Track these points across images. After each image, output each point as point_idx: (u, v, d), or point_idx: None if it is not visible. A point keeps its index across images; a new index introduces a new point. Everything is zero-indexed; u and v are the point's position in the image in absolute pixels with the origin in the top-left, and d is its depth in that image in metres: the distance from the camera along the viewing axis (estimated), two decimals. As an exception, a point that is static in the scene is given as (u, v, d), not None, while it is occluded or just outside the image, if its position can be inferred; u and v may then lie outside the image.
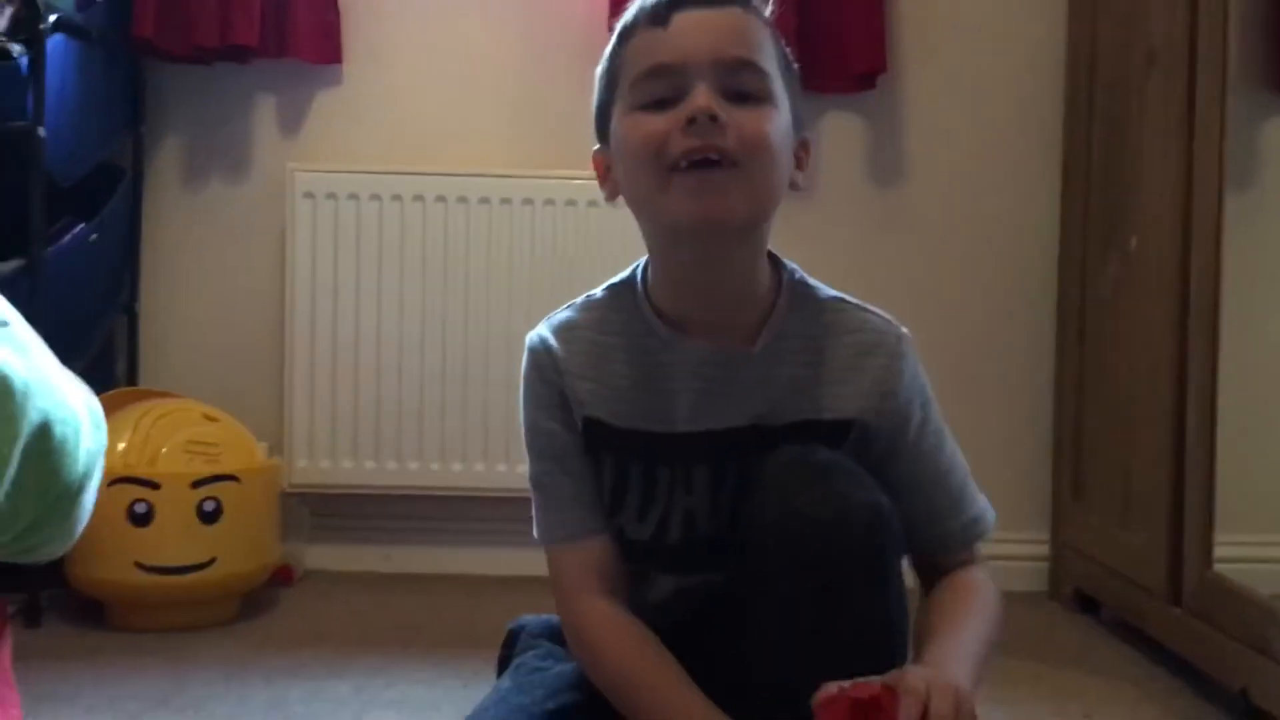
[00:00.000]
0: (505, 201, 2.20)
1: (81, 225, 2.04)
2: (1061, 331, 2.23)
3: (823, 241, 2.22)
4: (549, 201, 2.20)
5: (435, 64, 2.30)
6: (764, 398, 1.02)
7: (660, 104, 0.96)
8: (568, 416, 1.05)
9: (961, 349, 2.25)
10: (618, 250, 2.17)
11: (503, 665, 1.15)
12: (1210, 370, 1.70)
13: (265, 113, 2.29)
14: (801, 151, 1.03)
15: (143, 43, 2.14)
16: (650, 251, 1.05)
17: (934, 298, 2.25)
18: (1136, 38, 1.95)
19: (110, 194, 2.13)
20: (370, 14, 2.28)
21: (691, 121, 0.93)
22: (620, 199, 1.03)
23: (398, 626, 1.94)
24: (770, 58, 0.99)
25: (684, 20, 0.97)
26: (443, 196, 2.20)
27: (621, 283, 1.08)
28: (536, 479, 1.07)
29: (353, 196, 2.19)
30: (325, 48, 2.23)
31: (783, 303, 1.04)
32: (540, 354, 1.06)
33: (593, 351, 1.04)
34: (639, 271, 1.07)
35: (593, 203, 2.18)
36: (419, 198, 2.20)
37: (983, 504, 1.10)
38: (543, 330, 1.08)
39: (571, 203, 2.19)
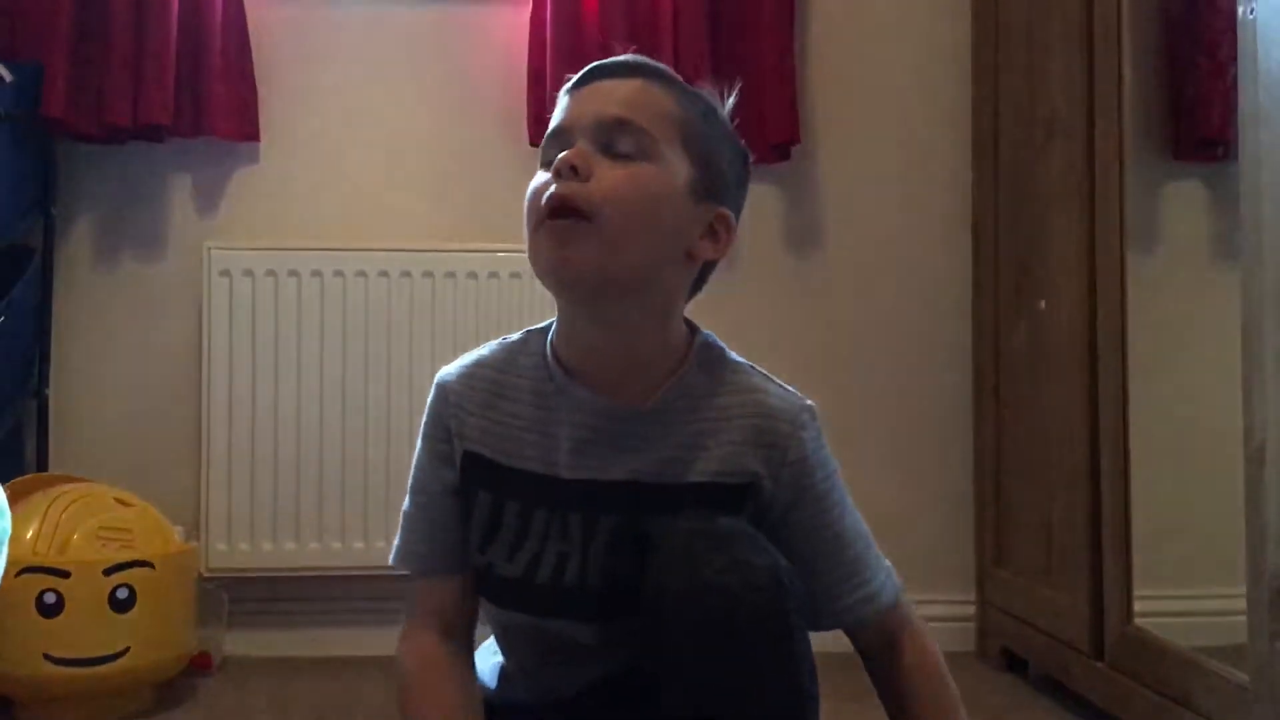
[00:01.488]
0: (427, 275, 2.19)
1: (-12, 308, 1.99)
2: (978, 394, 2.27)
3: (739, 308, 2.24)
4: (471, 274, 2.20)
5: (353, 139, 2.30)
6: (649, 455, 1.02)
7: (551, 161, 1.01)
8: (447, 454, 1.07)
9: (880, 413, 2.28)
10: (541, 321, 2.18)
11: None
12: (1121, 429, 1.74)
13: (181, 191, 2.27)
14: (718, 224, 1.03)
15: (53, 122, 2.12)
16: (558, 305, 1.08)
17: (851, 363, 2.28)
18: (1037, 107, 2.03)
19: (19, 276, 2.09)
20: (287, 90, 2.28)
21: (559, 174, 0.99)
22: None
23: (322, 711, 1.89)
24: (660, 119, 1.01)
25: (589, 88, 1.04)
26: (363, 271, 2.19)
27: (538, 329, 1.11)
28: (405, 505, 1.10)
29: (270, 273, 2.17)
30: (241, 125, 2.21)
31: (689, 365, 1.05)
32: (440, 387, 1.09)
33: (490, 389, 1.07)
34: (556, 321, 1.09)
35: (515, 274, 2.19)
36: (339, 273, 2.18)
37: (883, 578, 1.10)
38: (450, 366, 1.10)
39: (494, 275, 2.19)
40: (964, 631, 2.26)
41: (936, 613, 2.29)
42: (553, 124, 1.04)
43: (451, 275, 2.20)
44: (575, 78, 1.05)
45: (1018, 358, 2.10)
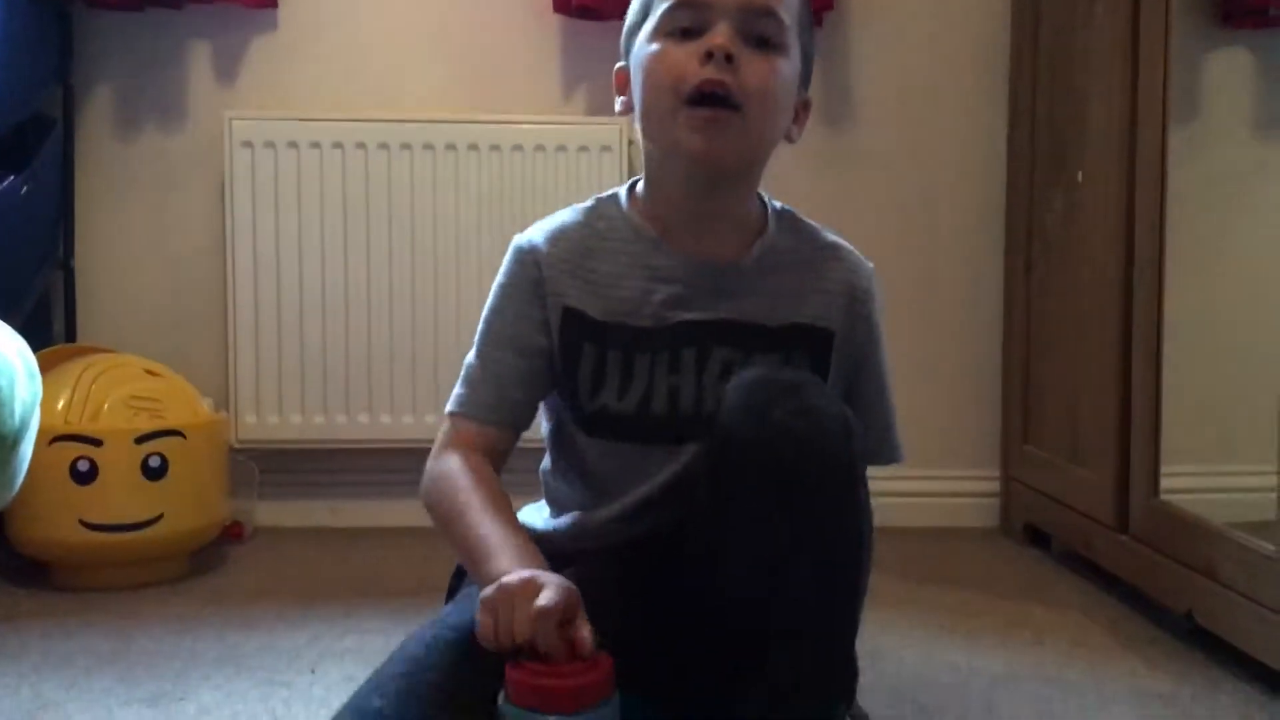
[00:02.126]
0: (449, 147, 2.16)
1: (11, 177, 1.98)
2: (1010, 269, 2.24)
3: (771, 178, 2.20)
4: (494, 147, 2.16)
5: (374, 6, 2.24)
6: (746, 304, 1.08)
7: (684, 33, 1.03)
8: (542, 316, 1.09)
9: (911, 288, 2.26)
10: (563, 195, 2.15)
11: (451, 594, 1.15)
12: (1156, 303, 1.72)
13: (199, 59, 2.23)
14: (801, 109, 1.11)
15: (69, -12, 2.08)
16: (648, 170, 1.11)
17: (883, 237, 2.24)
18: (1081, -29, 1.95)
19: (40, 146, 2.07)
20: (305, -45, 2.22)
21: (709, 56, 1.01)
22: (630, 116, 1.10)
23: (351, 579, 1.92)
24: (791, 10, 1.06)
25: None
26: (385, 143, 2.15)
27: (607, 196, 1.14)
28: (482, 355, 1.11)
29: (292, 145, 2.15)
30: (259, -10, 2.17)
31: (772, 225, 1.12)
32: (524, 251, 1.11)
33: (580, 249, 1.10)
34: (623, 191, 1.14)
35: (539, 147, 2.16)
36: (361, 145, 2.15)
37: (901, 441, 1.17)
38: (529, 231, 1.13)
39: (518, 148, 2.16)
40: (989, 507, 2.27)
41: (961, 488, 2.30)
42: None
43: (475, 147, 2.16)
44: None
45: (1052, 232, 2.07)
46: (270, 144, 2.14)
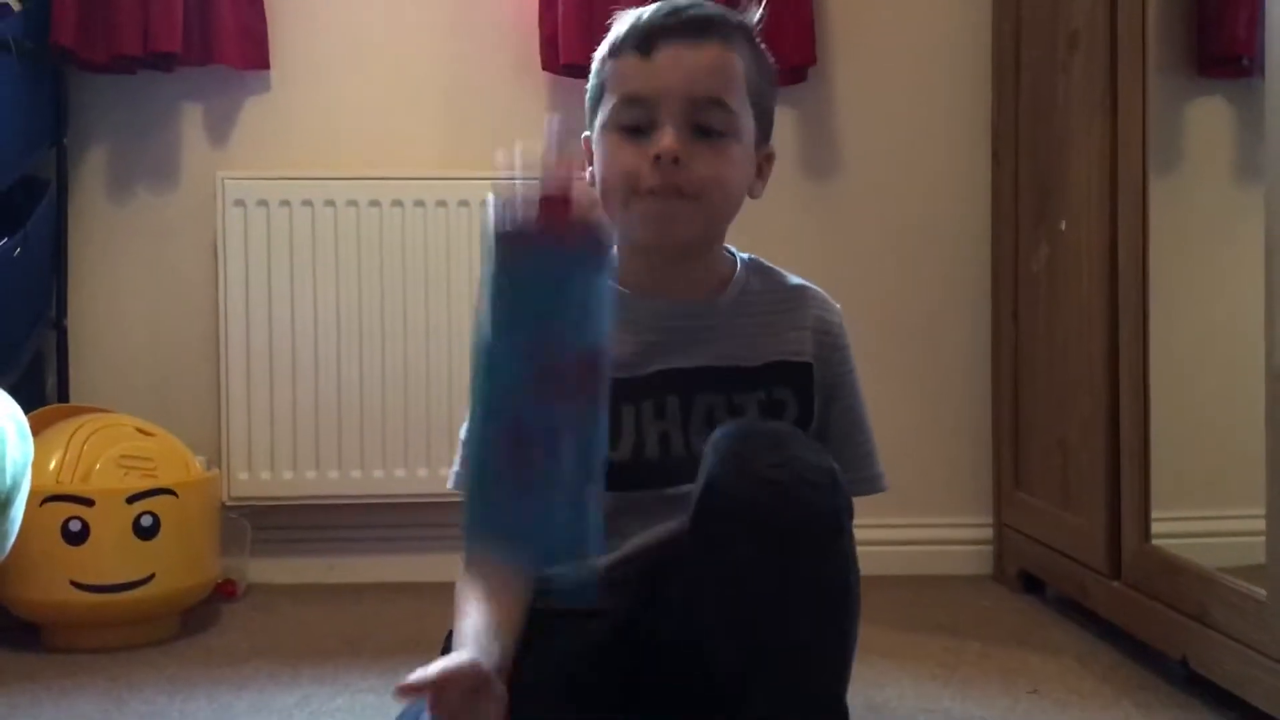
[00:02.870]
0: (440, 204, 2.18)
1: (5, 239, 1.99)
2: (997, 316, 2.25)
3: (756, 233, 2.21)
4: (485, 203, 2.18)
5: (365, 67, 2.27)
6: (730, 344, 1.10)
7: (635, 129, 1.06)
8: None
9: (899, 337, 2.27)
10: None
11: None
12: (1141, 349, 1.73)
13: (192, 121, 2.26)
14: (765, 163, 1.14)
15: (63, 52, 2.10)
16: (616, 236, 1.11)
17: (870, 287, 2.26)
18: (1059, 21, 1.99)
19: (33, 208, 2.08)
20: (297, 17, 2.25)
21: (658, 159, 1.04)
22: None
23: (344, 636, 1.91)
24: (740, 88, 1.08)
25: (664, 54, 1.07)
26: (376, 200, 2.18)
27: None
28: (468, 431, 1.08)
29: (284, 203, 2.17)
30: (252, 53, 2.19)
31: (741, 271, 1.15)
32: None
33: None
34: None
35: (528, 203, 2.17)
36: (352, 202, 2.17)
37: (882, 470, 1.18)
38: None
39: (507, 203, 2.18)
40: (982, 554, 2.27)
41: (954, 536, 2.30)
42: (627, 88, 1.07)
43: (465, 204, 2.18)
44: (639, 33, 1.07)
45: (1037, 279, 2.09)
46: (262, 202, 2.16)
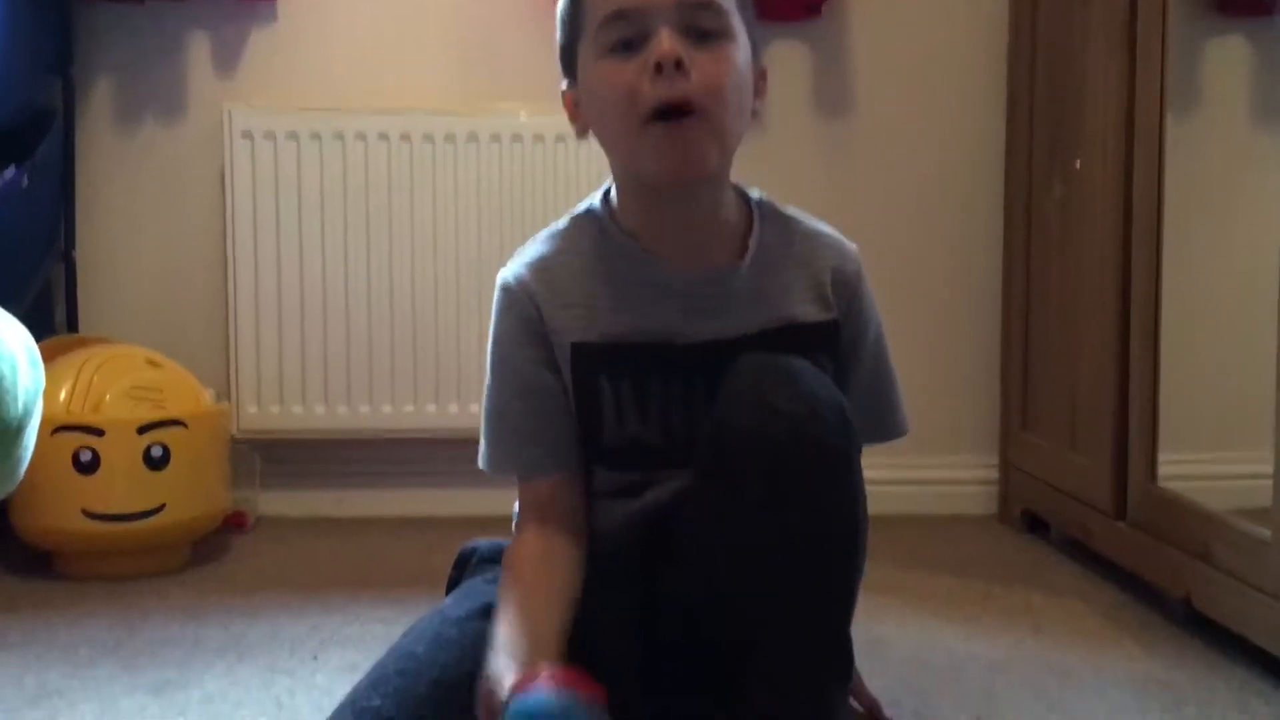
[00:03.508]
0: (449, 138, 2.16)
1: (13, 169, 1.98)
2: (1009, 256, 2.24)
3: (769, 170, 2.17)
4: (494, 137, 2.17)
5: (373, -2, 2.25)
6: (751, 310, 1.07)
7: (626, 45, 0.99)
8: (546, 354, 1.06)
9: (909, 276, 2.26)
10: (563, 185, 2.16)
11: (452, 586, 1.15)
12: (1153, 291, 1.72)
13: (199, 51, 2.24)
14: (760, 80, 1.07)
15: (68, -20, 2.08)
16: (619, 183, 1.07)
17: (881, 225, 2.25)
18: (1079, -41, 1.95)
19: (41, 139, 2.07)
20: (303, -53, 2.23)
21: (659, 69, 0.97)
22: (590, 134, 1.07)
23: (353, 569, 1.93)
24: None
25: None
26: (385, 134, 2.16)
27: (583, 212, 1.10)
28: (498, 410, 1.08)
29: (292, 136, 2.15)
30: (258, -18, 2.17)
31: (757, 220, 1.09)
32: (515, 290, 1.07)
33: (571, 278, 1.06)
34: (598, 201, 1.09)
35: (538, 137, 2.16)
36: (360, 135, 2.16)
37: (905, 414, 1.17)
38: (515, 268, 1.08)
39: (517, 138, 2.16)
40: (987, 494, 2.28)
41: (959, 475, 2.31)
42: (610, 5, 1.00)
43: (474, 138, 2.16)
44: None
45: (1050, 219, 2.07)
46: (270, 135, 2.15)
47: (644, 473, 1.07)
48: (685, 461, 1.03)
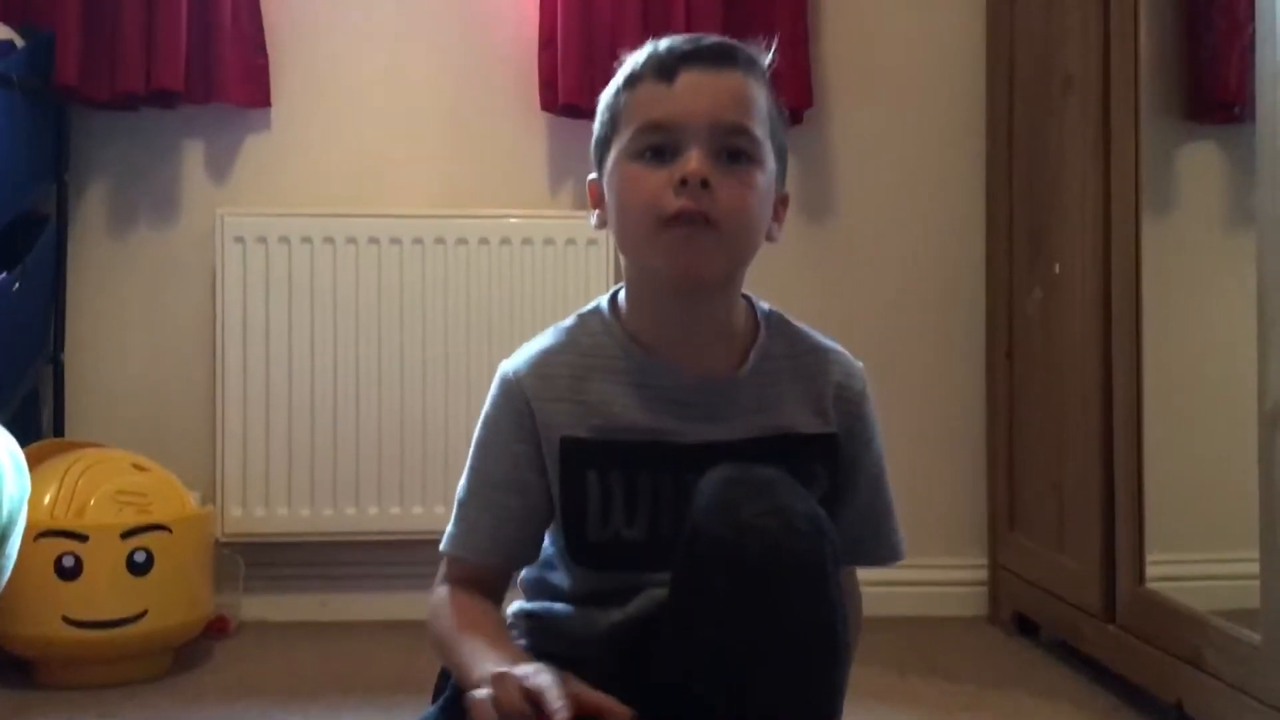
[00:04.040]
0: (439, 241, 2.19)
1: (3, 274, 2.00)
2: (991, 358, 2.26)
3: (753, 273, 2.23)
4: (483, 241, 2.20)
5: (365, 105, 2.29)
6: (753, 418, 1.06)
7: (657, 153, 1.02)
8: (532, 450, 1.06)
9: (895, 379, 2.27)
10: (552, 288, 2.18)
11: (438, 694, 1.13)
12: (1135, 391, 1.74)
13: (193, 157, 2.27)
14: (780, 206, 1.11)
15: (66, 90, 2.12)
16: (629, 282, 1.10)
17: (866, 328, 2.26)
18: (1053, 65, 2.01)
19: (33, 243, 2.09)
20: (299, 56, 2.27)
21: (684, 183, 1.00)
22: (607, 227, 1.09)
23: (336, 675, 1.90)
24: (763, 120, 1.05)
25: (687, 80, 1.03)
26: (375, 238, 2.19)
27: (589, 311, 1.12)
28: (471, 494, 1.08)
29: (283, 240, 2.18)
30: (253, 91, 2.21)
31: (763, 331, 1.10)
32: (510, 383, 1.08)
33: (570, 375, 1.07)
34: (605, 301, 1.11)
35: (527, 241, 2.19)
36: (351, 240, 2.18)
37: (901, 537, 1.16)
38: (515, 361, 1.10)
39: (506, 241, 2.19)
40: (976, 596, 2.27)
41: (949, 577, 2.30)
42: (649, 114, 1.03)
43: (464, 242, 2.19)
44: (660, 60, 1.05)
45: (1032, 321, 2.10)
46: (261, 239, 2.17)
47: (626, 574, 1.06)
48: (668, 564, 1.02)
